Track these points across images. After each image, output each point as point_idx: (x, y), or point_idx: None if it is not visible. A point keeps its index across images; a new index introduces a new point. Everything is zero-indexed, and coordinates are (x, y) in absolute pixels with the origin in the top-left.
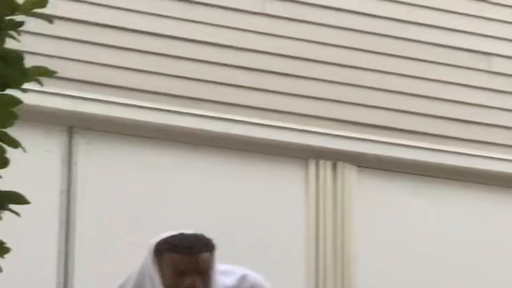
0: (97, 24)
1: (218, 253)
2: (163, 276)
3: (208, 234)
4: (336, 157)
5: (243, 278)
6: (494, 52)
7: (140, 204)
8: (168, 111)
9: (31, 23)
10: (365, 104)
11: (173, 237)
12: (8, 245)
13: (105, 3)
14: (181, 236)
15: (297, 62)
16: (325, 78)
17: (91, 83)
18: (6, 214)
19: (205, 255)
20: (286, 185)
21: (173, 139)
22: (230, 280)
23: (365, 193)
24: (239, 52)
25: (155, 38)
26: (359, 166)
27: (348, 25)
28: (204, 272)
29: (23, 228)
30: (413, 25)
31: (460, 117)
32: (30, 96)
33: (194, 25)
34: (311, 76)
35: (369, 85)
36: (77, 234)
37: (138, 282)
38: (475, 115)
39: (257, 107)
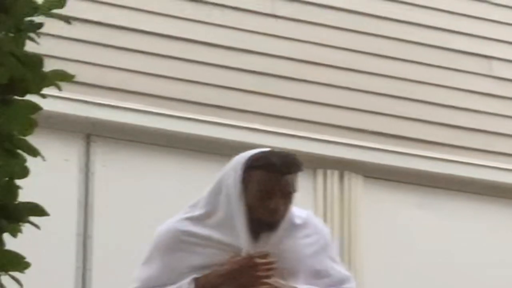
0: (115, 27)
1: None
2: (247, 194)
3: None
4: (343, 167)
5: (310, 215)
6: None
7: (158, 213)
8: (187, 118)
9: (50, 26)
10: (371, 110)
11: (265, 154)
12: (28, 259)
13: (122, 4)
14: (273, 154)
15: (305, 66)
16: (331, 83)
17: (107, 88)
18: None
19: (294, 176)
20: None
21: (191, 147)
22: (298, 213)
23: (371, 203)
24: (246, 55)
25: (172, 40)
26: (365, 176)
27: (352, 27)
28: (288, 194)
29: (40, 238)
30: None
31: (469, 126)
32: (47, 101)
33: (210, 27)
34: (320, 81)
35: (376, 91)
36: (94, 243)
37: (211, 199)
38: (484, 124)
39: (265, 114)
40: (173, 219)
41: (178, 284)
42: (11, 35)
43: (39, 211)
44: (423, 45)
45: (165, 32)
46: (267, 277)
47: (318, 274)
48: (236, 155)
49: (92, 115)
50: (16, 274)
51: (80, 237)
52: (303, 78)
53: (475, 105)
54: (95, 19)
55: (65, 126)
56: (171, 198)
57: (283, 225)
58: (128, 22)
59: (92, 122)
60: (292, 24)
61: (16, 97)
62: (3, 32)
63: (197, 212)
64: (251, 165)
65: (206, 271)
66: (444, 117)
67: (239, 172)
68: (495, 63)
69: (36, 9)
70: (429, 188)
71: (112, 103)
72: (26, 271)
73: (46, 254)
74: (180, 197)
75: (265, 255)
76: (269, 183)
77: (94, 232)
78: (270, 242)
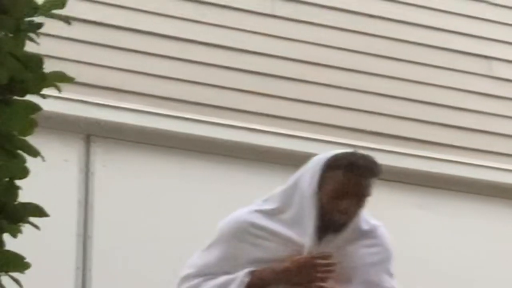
0: (115, 27)
1: None
2: (322, 193)
3: None
4: None
5: (380, 226)
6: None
7: (158, 213)
8: (187, 119)
9: (49, 26)
10: (370, 111)
11: (347, 155)
12: (28, 260)
13: (122, 5)
14: (356, 155)
15: (305, 67)
16: (330, 83)
17: (107, 88)
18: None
19: (371, 180)
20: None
21: (191, 148)
22: (368, 219)
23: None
24: (244, 55)
25: (171, 41)
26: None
27: (352, 27)
28: (362, 197)
29: (40, 238)
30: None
31: (469, 126)
32: (47, 101)
33: (209, 28)
34: (320, 81)
35: (376, 91)
36: (94, 244)
37: (285, 195)
38: (484, 124)
39: (269, 114)
40: (243, 210)
41: (234, 275)
42: (11, 35)
43: (39, 211)
44: (423, 45)
45: (165, 33)
46: (324, 279)
47: (369, 285)
48: (235, 155)
49: (92, 116)
50: (16, 274)
51: (80, 237)
52: (303, 78)
53: (474, 105)
54: (95, 19)
55: (65, 126)
56: (171, 198)
57: (349, 228)
58: (128, 23)
59: (92, 122)
60: (292, 24)
61: (16, 97)
62: (3, 32)
63: (269, 206)
64: (332, 165)
65: (265, 265)
66: (444, 117)
67: (318, 171)
68: (494, 63)
69: (36, 10)
70: (429, 188)
71: (112, 104)
72: (26, 271)
73: (46, 255)
74: (180, 197)
75: (326, 256)
76: (345, 183)
77: (94, 232)
78: (333, 244)
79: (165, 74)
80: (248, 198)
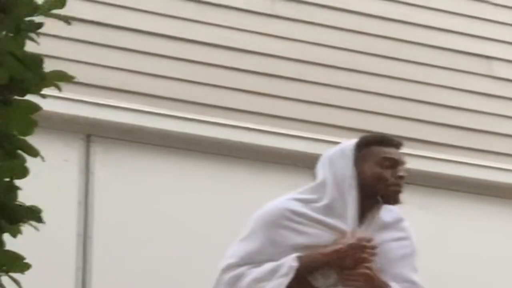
0: (115, 27)
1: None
2: (363, 171)
3: (217, 241)
4: None
5: (403, 218)
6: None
7: (158, 213)
8: (187, 119)
9: (49, 26)
10: (371, 111)
11: (375, 134)
12: (28, 260)
13: (122, 5)
14: (377, 134)
15: (305, 67)
16: (331, 83)
17: (108, 88)
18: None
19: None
20: None
21: (191, 148)
22: (389, 210)
23: None
24: (247, 55)
25: (172, 41)
26: None
27: (352, 28)
28: (403, 164)
29: (40, 238)
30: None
31: (469, 126)
32: (47, 102)
33: (209, 28)
34: (320, 81)
35: (376, 91)
36: (94, 244)
37: (318, 187)
38: (484, 124)
39: (269, 114)
40: (281, 198)
41: (281, 261)
42: (11, 35)
43: (36, 216)
44: (423, 45)
45: (165, 33)
46: (370, 260)
47: (397, 278)
48: (235, 155)
49: (92, 115)
50: (16, 274)
51: (80, 237)
52: (303, 78)
53: (475, 105)
54: (95, 19)
55: (65, 126)
56: (171, 198)
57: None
58: (128, 23)
59: (92, 122)
60: (292, 24)
61: (16, 97)
62: (3, 32)
63: (306, 196)
64: (364, 144)
65: (308, 251)
66: (444, 117)
67: (350, 155)
68: (495, 63)
69: (36, 9)
70: (429, 188)
71: (112, 103)
72: (26, 271)
73: (46, 255)
74: (180, 197)
75: (370, 239)
76: (388, 152)
77: (94, 232)
78: (372, 228)
79: (165, 74)
80: (249, 198)
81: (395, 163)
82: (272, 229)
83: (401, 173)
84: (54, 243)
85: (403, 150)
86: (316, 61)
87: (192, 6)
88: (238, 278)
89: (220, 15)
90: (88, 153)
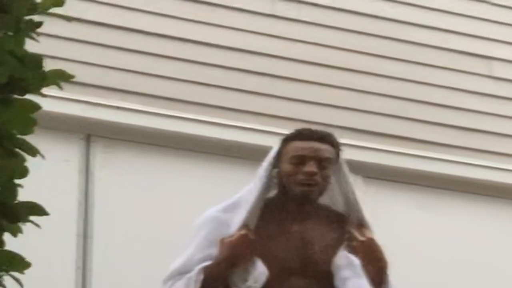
0: (116, 27)
1: None
2: (281, 168)
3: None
4: None
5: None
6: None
7: (158, 213)
8: (187, 119)
9: (49, 25)
10: (370, 111)
11: (298, 129)
12: (28, 258)
13: (123, 4)
14: (305, 128)
15: (304, 67)
16: (330, 83)
17: (108, 88)
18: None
19: (326, 145)
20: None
21: (192, 148)
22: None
23: (370, 204)
24: (246, 55)
25: (172, 41)
26: (364, 176)
27: (352, 28)
28: (323, 161)
29: (40, 238)
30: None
31: (469, 126)
32: (47, 101)
33: (210, 28)
34: (319, 81)
35: (376, 91)
36: (94, 244)
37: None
38: (484, 124)
39: (269, 114)
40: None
41: (190, 274)
42: (11, 34)
43: (39, 210)
44: (423, 45)
45: (166, 33)
46: (248, 254)
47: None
48: (236, 155)
49: (92, 116)
50: (16, 274)
51: (80, 238)
52: (303, 78)
53: (475, 105)
54: (95, 19)
55: (65, 126)
56: (171, 198)
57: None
58: (129, 23)
59: (92, 122)
60: (292, 24)
61: (15, 96)
62: (2, 31)
63: (231, 200)
64: (285, 139)
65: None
66: (444, 117)
67: (273, 149)
68: (495, 63)
69: (35, 8)
70: (428, 188)
71: (113, 104)
72: (27, 271)
73: (46, 255)
74: (180, 197)
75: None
76: (301, 149)
77: (94, 232)
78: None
79: (165, 74)
80: None
81: (304, 159)
82: (207, 226)
83: (306, 169)
84: (54, 243)
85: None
86: (316, 61)
87: (192, 6)
88: None
89: (220, 15)
90: (88, 153)
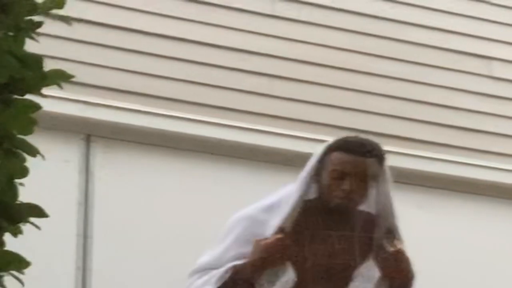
0: (116, 27)
1: None
2: (322, 177)
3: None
4: None
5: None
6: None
7: (158, 214)
8: (188, 119)
9: (49, 26)
10: (370, 111)
11: (345, 137)
12: (28, 259)
13: (123, 5)
14: (353, 137)
15: (305, 67)
16: (330, 83)
17: (108, 89)
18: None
19: (369, 160)
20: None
21: (192, 148)
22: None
23: None
24: (246, 55)
25: (172, 41)
26: None
27: (351, 28)
28: (364, 177)
29: (40, 238)
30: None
31: (469, 127)
32: (47, 102)
33: (210, 28)
34: (320, 82)
35: (376, 91)
36: (94, 244)
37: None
38: (484, 125)
39: (268, 115)
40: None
41: (216, 271)
42: (11, 34)
43: (39, 212)
44: (423, 45)
45: (165, 33)
46: (281, 258)
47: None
48: (236, 155)
49: (92, 116)
50: (16, 274)
51: (80, 238)
52: (303, 78)
53: (475, 105)
54: (95, 19)
55: (65, 126)
56: (171, 198)
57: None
58: (129, 23)
59: (92, 122)
60: (292, 25)
61: (15, 96)
62: (2, 32)
63: (269, 201)
64: (331, 147)
65: None
66: (443, 117)
67: (318, 155)
68: (495, 63)
69: (35, 9)
70: (428, 188)
71: (113, 104)
72: (26, 271)
73: (46, 255)
74: (181, 198)
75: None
76: (343, 162)
77: (94, 232)
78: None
79: (165, 75)
80: (249, 198)
81: (343, 175)
82: (243, 225)
83: (344, 187)
84: (54, 243)
85: (390, 149)
86: (317, 61)
87: (192, 6)
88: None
89: (220, 15)
90: (88, 153)
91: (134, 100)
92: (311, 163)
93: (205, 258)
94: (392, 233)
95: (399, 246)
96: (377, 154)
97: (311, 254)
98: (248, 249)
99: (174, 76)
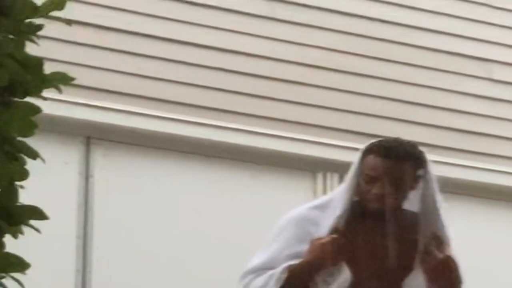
0: (115, 30)
1: (222, 260)
2: (359, 180)
3: (216, 243)
4: (343, 170)
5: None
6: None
7: (158, 216)
8: (187, 121)
9: (49, 28)
10: (370, 113)
11: (382, 139)
12: (28, 261)
13: (122, 8)
14: (390, 140)
15: (304, 70)
16: (330, 86)
17: (107, 91)
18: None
19: (404, 164)
20: (294, 198)
21: (191, 151)
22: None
23: None
24: (247, 58)
25: (172, 44)
26: None
27: (351, 31)
28: (397, 181)
29: (40, 240)
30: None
31: (469, 129)
32: (47, 104)
33: (209, 30)
34: (320, 84)
35: (376, 94)
36: (94, 246)
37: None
38: (484, 127)
39: (266, 117)
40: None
41: (272, 271)
42: (11, 37)
43: (39, 214)
44: (422, 48)
45: (165, 35)
46: (334, 259)
47: None
48: (236, 158)
49: (92, 118)
50: (16, 276)
51: (80, 240)
52: (303, 81)
53: (475, 108)
54: (95, 22)
55: (65, 129)
56: (170, 201)
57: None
58: (128, 25)
59: (92, 125)
60: (291, 27)
61: (16, 99)
62: (3, 34)
63: (321, 200)
64: (367, 150)
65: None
66: (443, 120)
67: (358, 158)
68: (494, 66)
69: (36, 12)
70: None
71: (112, 106)
72: (26, 273)
73: (46, 257)
74: (180, 200)
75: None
76: (376, 166)
77: (94, 234)
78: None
79: (165, 77)
80: (249, 200)
81: (375, 179)
82: (296, 224)
83: (374, 191)
84: (54, 246)
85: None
86: (316, 63)
87: (192, 9)
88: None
89: (219, 18)
90: (88, 156)
91: (134, 102)
92: (354, 165)
93: (258, 259)
94: (438, 237)
95: (448, 253)
96: (411, 158)
97: (362, 254)
98: (302, 247)
99: (174, 79)
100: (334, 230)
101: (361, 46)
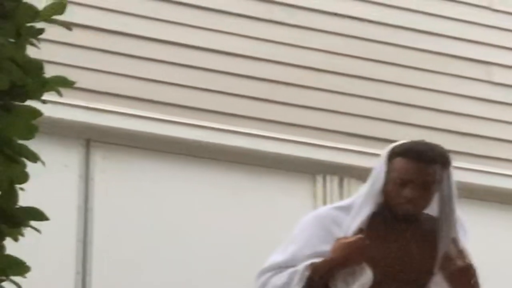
0: (115, 33)
1: (222, 262)
2: (388, 182)
3: (215, 247)
4: (343, 172)
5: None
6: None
7: (158, 218)
8: (186, 124)
9: (49, 31)
10: (370, 116)
11: (409, 142)
12: (28, 263)
13: (122, 10)
14: (418, 142)
15: (304, 72)
16: (330, 89)
17: (107, 94)
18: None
19: (433, 167)
20: (293, 200)
21: (191, 153)
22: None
23: None
24: (247, 61)
25: (171, 46)
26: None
27: (352, 34)
28: (427, 184)
29: (40, 243)
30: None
31: (469, 132)
32: (47, 107)
33: (208, 33)
34: (319, 87)
35: (376, 96)
36: (94, 249)
37: (361, 189)
38: (484, 130)
39: (265, 119)
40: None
41: (294, 268)
42: (12, 41)
43: (39, 215)
44: (422, 50)
45: (164, 38)
46: (359, 257)
47: None
48: (236, 161)
49: (92, 121)
50: (16, 279)
51: (80, 243)
52: (302, 83)
53: (475, 111)
54: (95, 25)
55: (65, 131)
56: (170, 203)
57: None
58: (128, 28)
59: (92, 127)
60: (290, 30)
61: (16, 102)
62: (3, 38)
63: (344, 202)
64: (394, 152)
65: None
66: (444, 122)
67: (385, 161)
68: (494, 69)
69: (36, 15)
70: None
71: (112, 109)
72: (27, 276)
73: (46, 260)
74: (180, 202)
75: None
76: (404, 169)
77: (94, 237)
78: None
79: (164, 80)
80: (249, 203)
81: (406, 182)
82: (318, 224)
83: (405, 194)
84: (54, 248)
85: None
86: (315, 66)
87: (191, 12)
88: (264, 285)
89: (218, 20)
90: (88, 159)
91: (134, 105)
92: (379, 168)
93: (277, 257)
94: (457, 241)
95: (468, 261)
96: (441, 160)
97: (384, 256)
98: (323, 247)
99: (174, 82)
100: (359, 231)
101: (361, 48)
